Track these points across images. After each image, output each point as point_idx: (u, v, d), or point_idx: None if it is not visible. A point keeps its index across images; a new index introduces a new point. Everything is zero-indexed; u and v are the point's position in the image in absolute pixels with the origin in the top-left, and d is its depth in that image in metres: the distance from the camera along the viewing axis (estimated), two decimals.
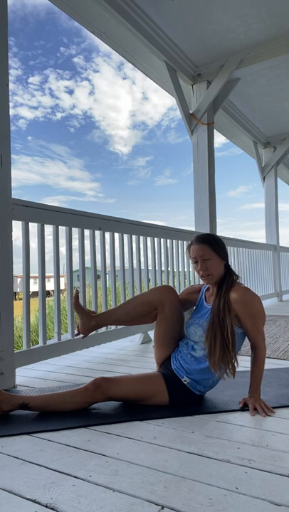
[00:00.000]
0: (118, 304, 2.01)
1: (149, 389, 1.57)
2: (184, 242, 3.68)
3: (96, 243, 2.66)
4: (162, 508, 0.92)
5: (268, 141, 6.17)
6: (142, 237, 3.12)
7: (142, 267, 3.17)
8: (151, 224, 3.21)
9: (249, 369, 1.61)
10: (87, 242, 2.59)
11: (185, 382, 1.58)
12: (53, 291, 2.38)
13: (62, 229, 2.40)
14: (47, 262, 2.26)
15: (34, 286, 8.24)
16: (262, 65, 3.79)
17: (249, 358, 1.63)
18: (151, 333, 2.93)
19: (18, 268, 2.18)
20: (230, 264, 1.70)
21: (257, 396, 1.56)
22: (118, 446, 1.26)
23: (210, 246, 1.59)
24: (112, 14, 2.94)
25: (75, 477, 1.07)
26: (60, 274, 2.38)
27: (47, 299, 2.56)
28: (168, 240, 3.47)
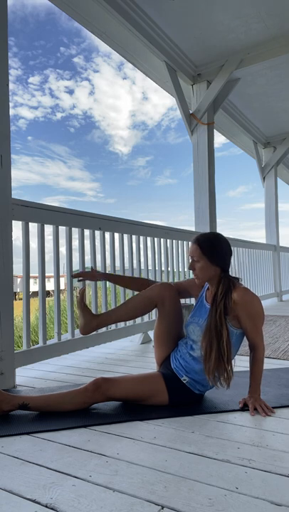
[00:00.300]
0: (118, 304, 2.02)
1: (148, 389, 1.57)
2: (184, 242, 3.68)
3: (96, 243, 2.66)
4: (162, 508, 0.92)
5: (268, 141, 6.17)
6: (142, 237, 3.12)
7: (142, 267, 3.17)
8: (151, 224, 3.21)
9: (248, 369, 1.61)
10: (87, 242, 2.59)
11: (184, 382, 1.58)
12: (53, 291, 2.38)
13: (62, 229, 2.40)
14: (47, 262, 2.26)
15: (34, 286, 8.24)
16: (262, 65, 3.79)
17: (248, 358, 1.63)
18: (151, 333, 2.93)
19: (18, 268, 2.18)
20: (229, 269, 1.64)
21: (257, 396, 1.56)
22: (118, 446, 1.26)
23: (200, 249, 1.56)
24: (112, 14, 2.94)
25: (75, 477, 1.07)
26: (60, 274, 2.38)
27: (47, 299, 2.56)
28: (168, 240, 3.47)
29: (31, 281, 2.22)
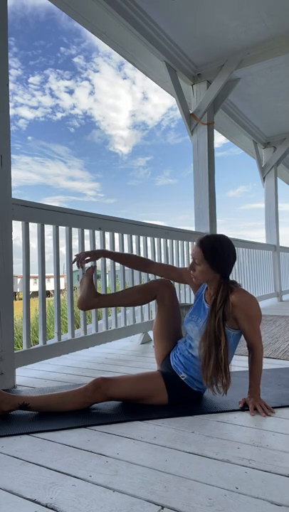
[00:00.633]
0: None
1: (148, 388, 1.57)
2: (184, 242, 3.68)
3: (96, 243, 2.66)
4: (162, 508, 0.92)
5: (268, 141, 6.17)
6: (142, 237, 3.12)
7: None
8: (151, 224, 3.21)
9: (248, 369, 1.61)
10: (87, 242, 2.59)
11: (183, 379, 1.59)
12: (53, 291, 2.38)
13: (62, 229, 2.40)
14: (47, 262, 2.26)
15: (34, 286, 8.23)
16: (262, 65, 3.79)
17: (247, 358, 1.63)
18: (151, 334, 2.93)
19: (18, 268, 2.18)
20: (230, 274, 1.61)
21: (257, 396, 1.56)
22: (118, 446, 1.26)
23: (203, 253, 1.54)
24: (112, 14, 2.94)
25: (75, 477, 1.07)
26: (60, 274, 2.37)
27: (47, 299, 2.56)
28: (168, 240, 3.47)
29: (31, 281, 2.22)
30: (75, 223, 2.47)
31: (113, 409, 1.56)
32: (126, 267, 2.97)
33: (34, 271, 2.19)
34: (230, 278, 1.62)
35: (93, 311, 2.63)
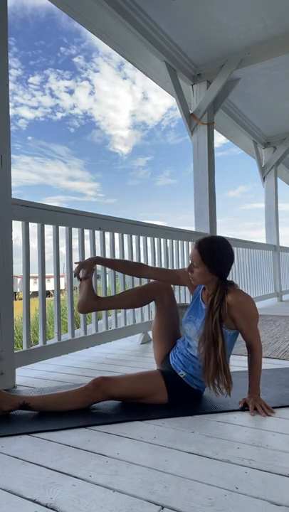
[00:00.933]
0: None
1: (148, 387, 1.58)
2: (184, 242, 3.68)
3: (96, 243, 2.66)
4: (162, 508, 0.92)
5: (268, 141, 6.17)
6: (142, 237, 3.12)
7: None
8: (151, 224, 3.21)
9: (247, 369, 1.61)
10: (87, 242, 2.59)
11: (182, 376, 1.60)
12: (53, 291, 2.38)
13: (62, 229, 2.40)
14: (47, 262, 2.26)
15: (34, 286, 8.23)
16: (262, 65, 3.79)
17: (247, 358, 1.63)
18: (151, 334, 2.93)
19: (18, 268, 2.18)
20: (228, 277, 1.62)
21: (257, 396, 1.56)
22: (118, 446, 1.26)
23: (201, 256, 1.54)
24: (112, 14, 2.94)
25: (75, 477, 1.07)
26: (60, 274, 2.37)
27: (47, 299, 2.56)
28: (168, 240, 3.47)
29: (31, 281, 2.22)
30: (75, 223, 2.47)
31: (113, 409, 1.56)
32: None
33: (34, 271, 2.19)
34: (230, 278, 1.63)
35: None
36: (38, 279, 2.25)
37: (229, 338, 1.57)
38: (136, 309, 3.02)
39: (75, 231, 2.51)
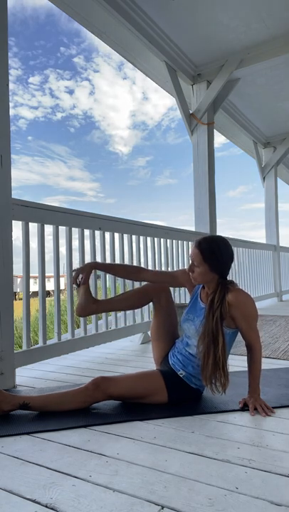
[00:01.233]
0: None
1: (148, 386, 1.58)
2: (184, 242, 3.68)
3: (96, 243, 2.66)
4: (162, 508, 0.92)
5: (268, 141, 6.17)
6: (142, 237, 3.12)
7: (142, 267, 3.16)
8: (151, 224, 3.21)
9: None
10: (87, 242, 2.59)
11: (181, 376, 1.60)
12: (53, 291, 2.38)
13: (62, 229, 2.40)
14: (47, 262, 2.26)
15: (34, 286, 8.22)
16: (262, 65, 3.79)
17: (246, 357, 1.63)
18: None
19: (18, 268, 2.18)
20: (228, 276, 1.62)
21: (257, 396, 1.56)
22: (118, 446, 1.26)
23: (202, 255, 1.55)
24: (112, 14, 2.94)
25: (75, 477, 1.07)
26: (60, 274, 2.37)
27: (47, 299, 2.56)
28: (168, 240, 3.47)
29: (31, 281, 2.22)
30: (75, 223, 2.47)
31: (113, 409, 1.56)
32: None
33: (34, 271, 2.19)
34: (229, 278, 1.63)
35: None
36: (38, 279, 2.25)
37: (228, 337, 1.57)
38: (136, 310, 3.02)
39: (75, 231, 2.51)
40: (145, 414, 1.50)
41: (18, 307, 2.40)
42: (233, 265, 1.63)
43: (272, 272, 6.32)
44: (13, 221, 1.99)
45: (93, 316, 2.63)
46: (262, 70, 3.98)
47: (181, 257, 3.65)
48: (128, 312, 2.95)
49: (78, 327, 2.67)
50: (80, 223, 2.51)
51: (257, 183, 7.38)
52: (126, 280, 2.96)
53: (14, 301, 2.03)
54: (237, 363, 2.16)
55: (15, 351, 1.99)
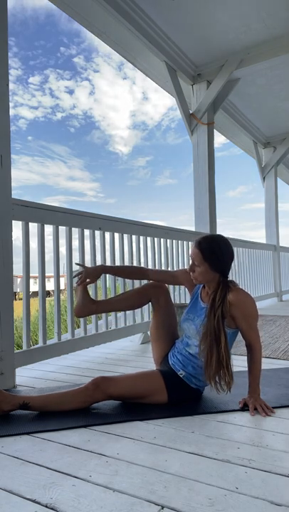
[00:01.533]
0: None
1: (148, 386, 1.58)
2: (184, 242, 3.68)
3: (96, 243, 2.66)
4: (162, 508, 0.92)
5: (268, 141, 6.17)
6: (142, 237, 3.12)
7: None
8: (151, 224, 3.21)
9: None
10: (87, 242, 2.59)
11: (181, 376, 1.60)
12: (53, 291, 2.38)
13: (62, 229, 2.40)
14: (47, 262, 2.26)
15: (34, 286, 8.22)
16: (262, 65, 3.79)
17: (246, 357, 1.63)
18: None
19: (18, 268, 2.18)
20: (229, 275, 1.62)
21: (257, 396, 1.56)
22: (118, 446, 1.26)
23: (202, 255, 1.55)
24: (112, 14, 2.94)
25: (75, 477, 1.07)
26: (60, 274, 2.37)
27: (47, 299, 2.56)
28: (168, 240, 3.47)
29: (31, 281, 2.22)
30: (75, 223, 2.47)
31: (113, 409, 1.56)
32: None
33: (34, 271, 2.19)
34: (229, 278, 1.63)
35: None
36: (38, 279, 2.25)
37: (228, 337, 1.57)
38: (135, 309, 3.02)
39: (75, 231, 2.51)
40: (145, 414, 1.50)
41: (18, 307, 2.40)
42: (233, 265, 1.64)
43: (272, 272, 6.32)
44: (13, 221, 1.99)
45: (93, 316, 2.63)
46: (262, 70, 3.98)
47: (181, 257, 3.65)
48: (128, 312, 2.95)
49: (78, 327, 2.67)
50: (80, 223, 2.51)
51: (257, 183, 7.38)
52: (126, 280, 2.96)
53: (14, 301, 2.03)
54: (237, 363, 2.15)
55: (15, 351, 1.99)
